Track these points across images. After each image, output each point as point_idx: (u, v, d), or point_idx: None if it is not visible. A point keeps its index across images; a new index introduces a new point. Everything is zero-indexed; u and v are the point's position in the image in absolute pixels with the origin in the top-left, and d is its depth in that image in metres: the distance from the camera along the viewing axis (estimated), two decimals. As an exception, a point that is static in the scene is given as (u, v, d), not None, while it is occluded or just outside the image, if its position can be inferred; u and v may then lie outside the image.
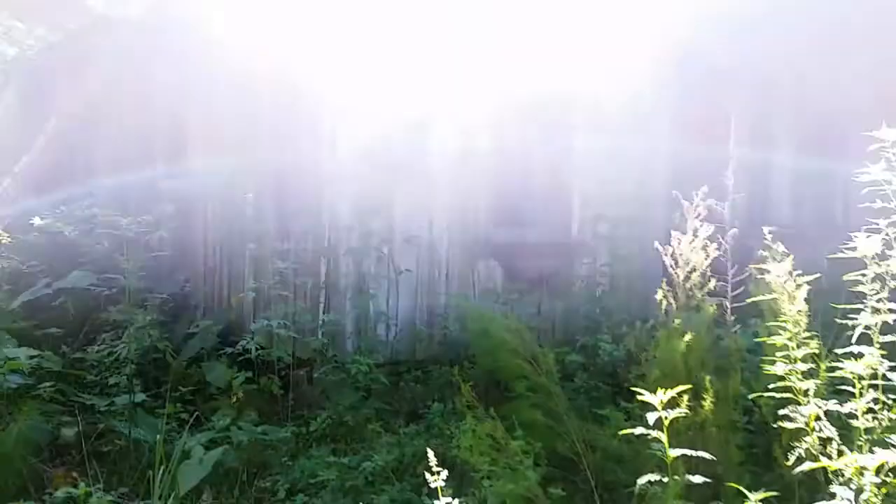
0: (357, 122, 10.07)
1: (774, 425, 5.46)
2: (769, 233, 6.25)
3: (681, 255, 7.27)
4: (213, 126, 12.30)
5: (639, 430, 5.08)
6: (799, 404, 5.31)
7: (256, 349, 9.24)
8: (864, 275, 5.17)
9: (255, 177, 11.15)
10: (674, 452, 5.01)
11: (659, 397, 5.05)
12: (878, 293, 5.14)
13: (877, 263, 5.16)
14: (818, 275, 5.89)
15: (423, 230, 10.55)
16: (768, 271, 6.09)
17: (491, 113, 10.77)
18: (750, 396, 5.92)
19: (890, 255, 5.19)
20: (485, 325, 8.09)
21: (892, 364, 5.02)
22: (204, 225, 12.58)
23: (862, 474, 4.65)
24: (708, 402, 6.02)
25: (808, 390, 5.33)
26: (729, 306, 7.25)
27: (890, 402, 5.10)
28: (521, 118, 11.06)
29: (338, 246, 10.04)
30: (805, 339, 5.58)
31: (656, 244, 7.23)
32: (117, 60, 14.28)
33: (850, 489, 4.65)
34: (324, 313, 9.94)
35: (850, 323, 5.17)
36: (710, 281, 7.14)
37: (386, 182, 10.15)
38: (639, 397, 5.21)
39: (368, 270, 10.22)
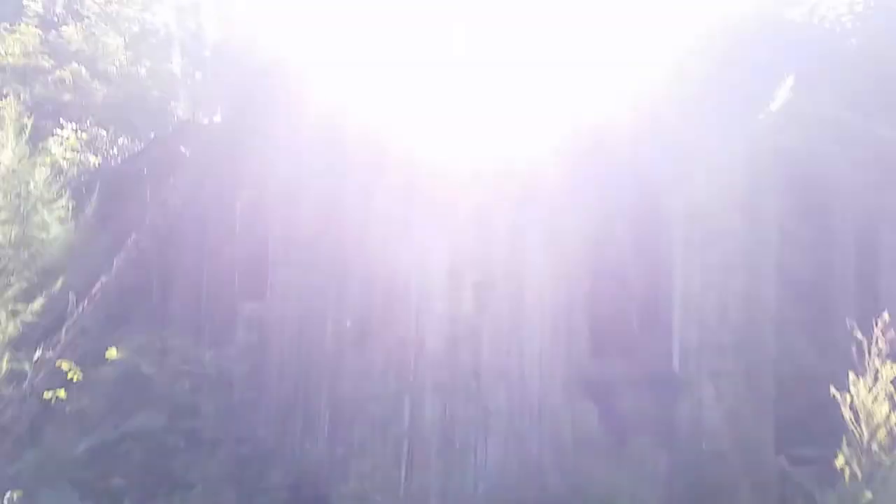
0: (444, 235, 8.84)
1: None
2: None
3: (861, 406, 5.74)
4: (297, 242, 11.24)
5: None
6: None
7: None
8: None
9: (338, 298, 9.88)
10: None
11: None
12: None
13: None
14: None
15: (512, 361, 9.13)
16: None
17: (586, 225, 9.64)
18: None
19: None
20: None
21: None
22: (281, 357, 11.34)
23: None
24: None
25: None
26: (928, 474, 5.63)
27: None
28: (618, 231, 9.98)
29: (423, 380, 8.67)
30: None
31: (833, 391, 5.77)
32: (199, 167, 13.33)
33: None
34: (407, 467, 8.44)
35: None
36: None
37: (474, 303, 8.84)
38: None
39: (455, 411, 8.81)
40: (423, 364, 8.75)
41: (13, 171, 12.42)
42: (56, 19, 21.10)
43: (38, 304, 11.52)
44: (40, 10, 20.91)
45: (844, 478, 5.82)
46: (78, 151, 16.45)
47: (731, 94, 9.75)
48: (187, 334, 11.66)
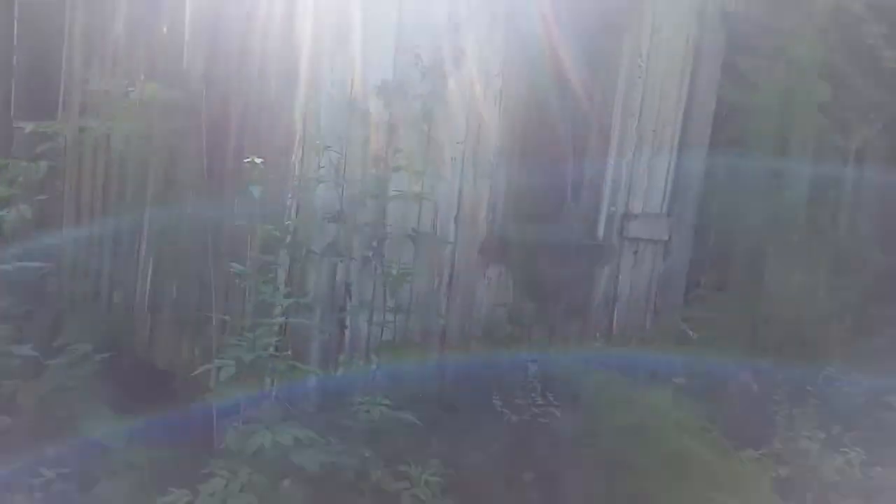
0: (344, 61, 6.71)
1: None
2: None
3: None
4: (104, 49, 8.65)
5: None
6: None
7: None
8: None
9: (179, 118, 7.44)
10: None
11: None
12: None
13: None
14: None
15: (425, 224, 7.34)
16: None
17: (515, 62, 7.76)
18: None
19: None
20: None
21: None
22: (79, 188, 8.79)
23: None
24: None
25: None
26: None
27: None
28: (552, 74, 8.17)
29: (308, 240, 6.56)
30: None
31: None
32: None
33: None
34: (281, 337, 6.24)
35: None
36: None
37: (383, 146, 6.88)
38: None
39: (347, 277, 6.89)
40: (310, 223, 6.58)
41: None
42: None
43: None
44: None
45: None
46: None
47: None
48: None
